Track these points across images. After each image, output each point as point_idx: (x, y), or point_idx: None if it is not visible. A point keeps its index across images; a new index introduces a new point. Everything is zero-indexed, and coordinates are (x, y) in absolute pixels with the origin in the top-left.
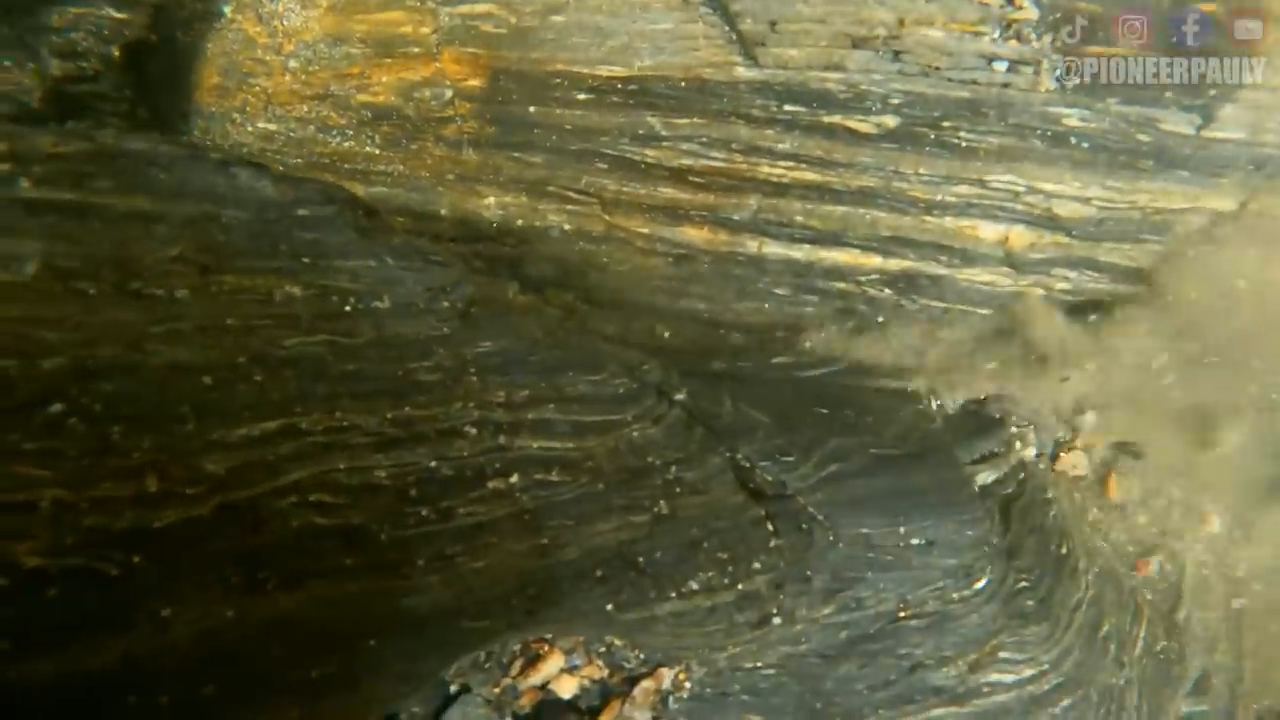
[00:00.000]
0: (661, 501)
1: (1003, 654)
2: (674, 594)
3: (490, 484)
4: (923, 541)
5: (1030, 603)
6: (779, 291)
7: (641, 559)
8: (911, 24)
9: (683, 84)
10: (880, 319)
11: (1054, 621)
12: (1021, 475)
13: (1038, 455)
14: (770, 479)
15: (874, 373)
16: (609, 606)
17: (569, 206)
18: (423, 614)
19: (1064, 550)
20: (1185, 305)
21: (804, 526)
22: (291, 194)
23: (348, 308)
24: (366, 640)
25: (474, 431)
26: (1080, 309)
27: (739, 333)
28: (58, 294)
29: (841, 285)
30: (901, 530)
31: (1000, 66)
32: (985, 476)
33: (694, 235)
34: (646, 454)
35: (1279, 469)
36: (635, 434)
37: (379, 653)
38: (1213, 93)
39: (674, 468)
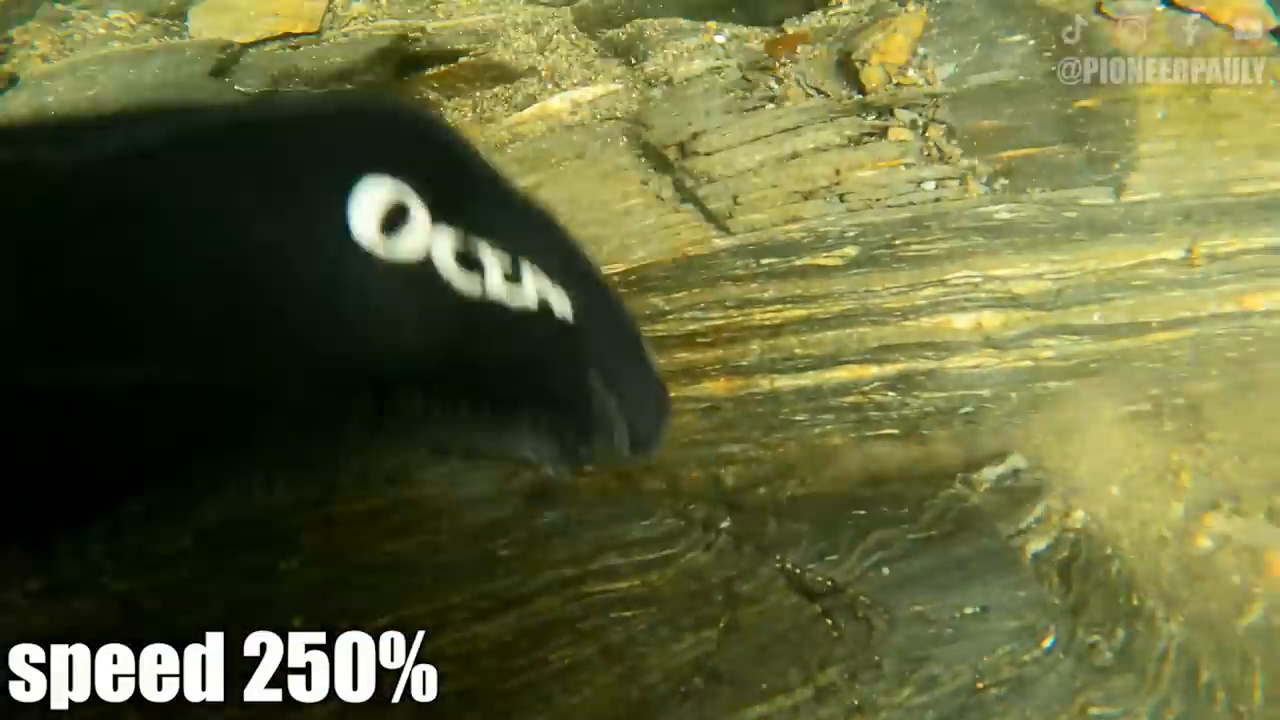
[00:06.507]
0: (726, 614)
1: (1093, 710)
2: (755, 698)
3: (577, 626)
4: (977, 609)
5: (1108, 655)
6: (798, 418)
7: (720, 669)
8: (846, 170)
9: (673, 264)
10: (899, 418)
11: (1139, 672)
12: (1074, 538)
13: (1089, 518)
14: (820, 579)
15: (905, 471)
16: None
17: None
18: None
19: (1135, 602)
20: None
21: (860, 614)
22: None
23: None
24: None
25: (551, 588)
26: (1079, 372)
27: (775, 464)
28: None
29: (850, 399)
30: (954, 602)
31: (929, 186)
32: (1036, 545)
33: (713, 387)
34: (704, 576)
35: None
36: (690, 562)
37: None
38: (1116, 166)
39: (731, 583)
